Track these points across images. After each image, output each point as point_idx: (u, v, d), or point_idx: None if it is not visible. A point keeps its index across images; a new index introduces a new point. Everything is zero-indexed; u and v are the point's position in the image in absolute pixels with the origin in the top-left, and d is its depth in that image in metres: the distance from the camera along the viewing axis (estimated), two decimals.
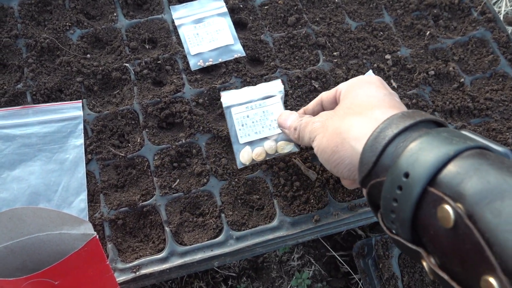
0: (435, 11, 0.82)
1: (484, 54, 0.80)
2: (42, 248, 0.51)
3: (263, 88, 0.69)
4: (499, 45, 0.80)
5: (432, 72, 0.76)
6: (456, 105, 0.73)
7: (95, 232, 0.50)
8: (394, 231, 0.38)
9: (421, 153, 0.35)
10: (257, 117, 0.67)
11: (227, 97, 0.68)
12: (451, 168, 0.33)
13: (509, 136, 0.71)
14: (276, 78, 0.71)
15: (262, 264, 0.69)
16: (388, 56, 0.77)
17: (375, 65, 0.76)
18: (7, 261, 0.51)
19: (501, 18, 0.99)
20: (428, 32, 0.80)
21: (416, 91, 0.75)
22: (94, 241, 0.49)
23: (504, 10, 0.99)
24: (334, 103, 0.56)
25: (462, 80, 0.76)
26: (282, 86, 0.70)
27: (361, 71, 0.75)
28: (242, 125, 0.66)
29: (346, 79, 0.74)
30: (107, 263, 0.51)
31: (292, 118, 0.58)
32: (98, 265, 0.51)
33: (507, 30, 0.80)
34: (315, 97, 0.71)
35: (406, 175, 0.34)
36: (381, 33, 0.80)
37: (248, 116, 0.67)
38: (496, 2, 1.01)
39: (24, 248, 0.51)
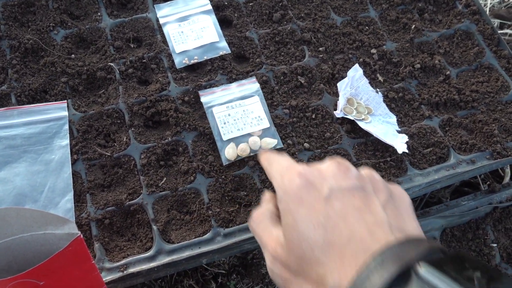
0: (420, 5, 0.83)
1: (469, 46, 0.80)
2: (26, 249, 0.50)
3: (240, 89, 0.69)
4: (484, 37, 0.80)
5: (418, 66, 0.76)
6: (443, 98, 0.74)
7: (79, 232, 0.49)
8: None
9: None
10: (238, 115, 0.67)
11: (207, 98, 0.68)
12: None
13: (495, 128, 0.71)
14: (253, 76, 0.71)
15: (251, 261, 0.69)
16: (374, 50, 0.77)
17: (361, 59, 0.76)
18: None
19: (487, 11, 0.99)
20: (414, 26, 0.80)
21: (402, 84, 0.75)
22: (79, 240, 0.49)
23: (490, 3, 1.00)
24: None
25: (448, 72, 0.76)
26: (258, 85, 0.70)
27: (347, 66, 0.75)
28: (224, 123, 0.66)
29: (332, 74, 0.74)
30: (93, 262, 0.51)
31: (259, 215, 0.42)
32: (83, 265, 0.50)
33: (492, 23, 0.81)
34: (301, 93, 0.72)
35: None
36: (367, 27, 0.80)
37: (229, 115, 0.67)
38: None
39: (9, 249, 0.50)
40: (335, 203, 0.34)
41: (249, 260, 0.70)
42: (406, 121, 0.72)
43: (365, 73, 0.75)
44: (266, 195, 0.43)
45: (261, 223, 0.40)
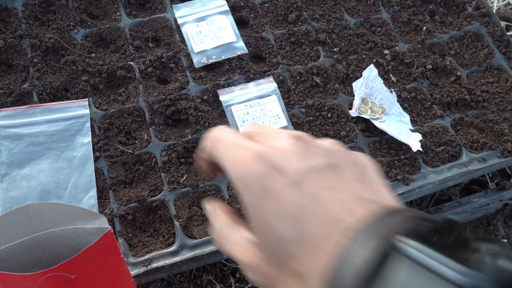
0: (431, 7, 0.84)
1: (479, 48, 0.82)
2: (57, 243, 0.52)
3: (257, 88, 0.70)
4: (494, 39, 0.82)
5: (430, 66, 0.78)
6: (454, 98, 0.75)
7: (110, 226, 0.51)
8: None
9: None
10: (257, 114, 0.68)
11: (225, 96, 0.69)
12: None
13: (505, 127, 0.73)
14: (270, 76, 0.72)
15: None
16: (386, 51, 0.79)
17: (374, 60, 0.78)
18: (22, 256, 0.51)
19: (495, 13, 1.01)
20: (425, 28, 0.82)
21: (414, 84, 0.76)
22: (109, 234, 0.50)
23: (497, 6, 1.02)
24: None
25: (458, 73, 0.78)
26: (275, 85, 0.71)
27: (361, 66, 0.76)
28: (244, 122, 0.68)
29: (347, 74, 0.75)
30: (121, 256, 0.52)
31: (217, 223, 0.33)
32: (112, 258, 0.52)
33: (501, 24, 0.83)
34: (316, 92, 0.73)
35: None
36: (379, 29, 0.81)
37: (248, 113, 0.68)
38: None
39: (39, 243, 0.51)
40: (305, 187, 0.28)
41: None
42: (418, 120, 0.74)
43: (378, 73, 0.76)
44: (208, 208, 0.35)
45: (223, 238, 0.33)
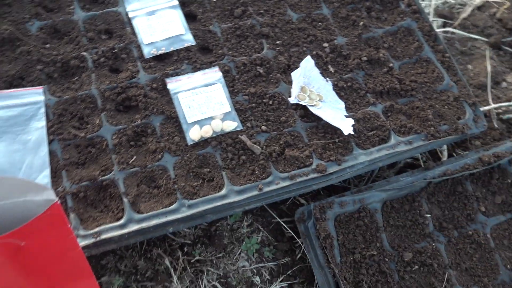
0: (367, 4, 0.92)
1: (410, 41, 0.90)
2: (8, 215, 0.56)
3: (204, 77, 0.76)
4: (423, 34, 0.90)
5: (365, 58, 0.85)
6: (386, 87, 0.83)
7: (57, 198, 0.55)
8: None
9: None
10: (202, 100, 0.74)
11: (173, 84, 0.75)
12: None
13: (429, 113, 0.81)
14: (215, 66, 0.78)
15: (215, 232, 0.76)
16: (325, 44, 0.86)
17: (314, 52, 0.84)
18: None
19: (432, 11, 1.10)
20: (362, 23, 0.89)
21: (351, 75, 0.83)
22: (56, 206, 0.55)
23: (435, 4, 1.10)
24: None
25: (391, 65, 0.85)
26: (221, 74, 0.77)
27: (301, 58, 0.83)
28: (189, 107, 0.73)
29: (288, 65, 0.82)
30: (69, 226, 0.57)
31: None
32: (60, 228, 0.57)
33: (429, 20, 0.91)
34: (259, 82, 0.80)
35: None
36: (320, 23, 0.88)
37: (194, 100, 0.74)
38: None
39: None
40: None
41: (212, 232, 0.77)
42: (353, 108, 0.81)
43: (317, 64, 0.83)
44: None
45: None
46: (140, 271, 0.73)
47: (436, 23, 1.09)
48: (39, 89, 0.72)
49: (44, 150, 0.69)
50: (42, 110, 0.71)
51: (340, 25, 0.89)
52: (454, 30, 1.06)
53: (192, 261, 0.74)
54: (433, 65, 0.87)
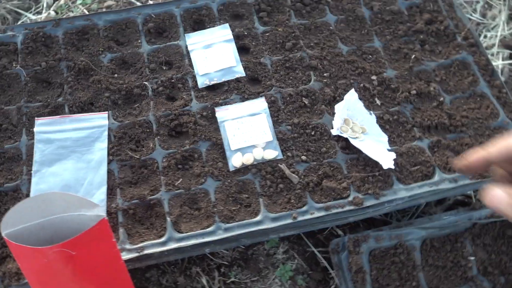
0: (422, 37, 0.91)
1: (465, 75, 0.87)
2: (65, 226, 0.65)
3: (249, 107, 0.81)
4: (479, 68, 0.87)
5: (414, 92, 0.84)
6: (434, 122, 0.81)
7: (105, 214, 0.63)
8: None
9: None
10: (246, 129, 0.79)
11: (221, 113, 0.80)
12: None
13: None
14: (262, 96, 0.82)
15: (251, 256, 0.80)
16: (374, 77, 0.86)
17: (362, 84, 0.85)
18: (39, 234, 0.65)
19: (497, 42, 1.05)
20: (414, 56, 0.89)
21: (398, 108, 0.83)
22: (104, 221, 0.62)
23: (501, 34, 1.05)
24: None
25: (441, 99, 0.84)
26: (266, 104, 0.81)
27: (348, 90, 0.84)
28: (234, 135, 0.78)
29: (334, 97, 0.84)
30: (114, 240, 0.64)
31: (502, 199, 0.42)
32: (106, 241, 0.64)
33: (486, 54, 0.88)
34: (304, 112, 0.83)
35: None
36: (370, 56, 0.89)
37: (239, 128, 0.79)
38: (494, 27, 1.07)
39: (52, 225, 0.65)
40: None
41: (249, 255, 0.80)
42: (398, 141, 0.81)
43: (364, 97, 0.84)
44: (498, 189, 0.42)
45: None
46: (180, 286, 0.78)
47: (501, 54, 1.04)
48: (105, 114, 0.82)
49: (104, 169, 0.77)
50: (106, 133, 0.80)
51: (391, 58, 0.89)
52: None
53: (228, 281, 0.78)
54: (488, 101, 0.84)
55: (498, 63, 1.05)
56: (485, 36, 1.08)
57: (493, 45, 1.03)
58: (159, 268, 0.80)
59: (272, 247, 0.81)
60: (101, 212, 0.64)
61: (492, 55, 1.08)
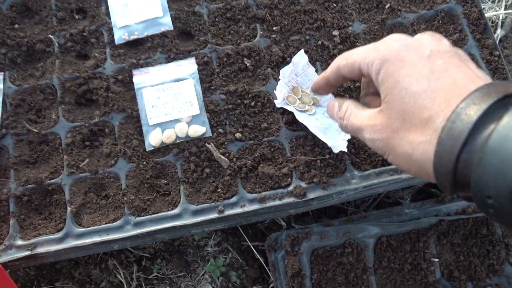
0: None
1: (450, 31, 0.70)
2: None
3: (176, 70, 0.65)
4: (469, 22, 0.69)
5: None
6: None
7: None
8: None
9: (492, 164, 0.31)
10: (168, 99, 0.63)
11: (140, 77, 0.65)
12: None
13: None
14: (193, 57, 0.66)
15: (178, 247, 0.68)
16: (336, 32, 0.69)
17: (320, 42, 0.69)
18: None
19: None
20: (388, 4, 0.71)
21: None
22: None
23: None
24: (357, 76, 0.46)
25: None
26: (196, 67, 0.65)
27: (302, 49, 0.68)
28: (152, 107, 0.63)
29: (283, 58, 0.68)
30: None
31: (335, 110, 0.49)
32: None
33: (480, 4, 0.69)
34: (244, 77, 0.67)
35: (489, 197, 0.31)
36: (334, 5, 0.72)
37: (159, 98, 0.63)
38: None
39: None
40: (436, 61, 0.38)
41: (175, 247, 0.69)
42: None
43: (321, 57, 0.68)
44: (332, 103, 0.50)
45: (351, 114, 0.46)
46: (94, 280, 0.67)
47: (505, 1, 0.85)
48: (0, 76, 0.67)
49: None
50: (0, 99, 0.66)
51: (360, 7, 0.72)
52: None
53: (150, 277, 0.67)
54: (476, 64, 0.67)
55: (500, 12, 0.86)
56: None
57: None
58: (71, 259, 0.69)
59: (202, 238, 0.69)
60: None
61: (494, 1, 0.89)
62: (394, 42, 0.41)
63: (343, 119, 0.47)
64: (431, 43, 0.40)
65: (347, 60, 0.45)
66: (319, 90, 0.53)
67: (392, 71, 0.39)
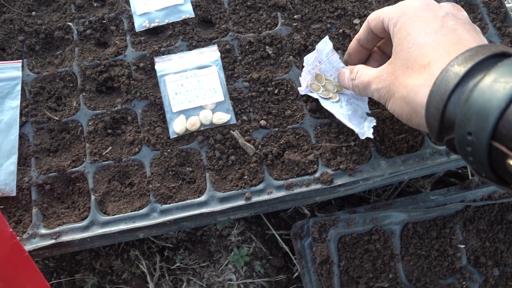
0: None
1: (471, 20, 0.70)
2: None
3: (198, 57, 0.64)
4: (489, 10, 0.70)
5: None
6: None
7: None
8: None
9: (477, 104, 0.35)
10: (192, 86, 0.63)
11: (162, 65, 0.64)
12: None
13: None
14: (215, 44, 0.66)
15: (201, 237, 0.67)
16: (356, 21, 0.69)
17: (341, 30, 0.69)
18: None
19: None
20: None
21: None
22: None
23: None
24: (381, 31, 0.52)
25: None
26: (219, 54, 0.65)
27: (323, 37, 0.67)
28: (176, 94, 0.62)
29: (305, 46, 0.67)
30: (10, 230, 0.51)
31: (346, 75, 0.57)
32: (2, 233, 0.51)
33: None
34: (266, 65, 0.66)
35: (470, 133, 0.35)
36: None
37: (182, 85, 0.63)
38: None
39: None
40: (448, 21, 0.44)
41: (198, 237, 0.68)
42: (381, 103, 0.65)
43: (343, 46, 0.68)
44: (343, 70, 0.57)
45: (362, 73, 0.52)
46: (116, 272, 0.66)
47: None
48: (18, 63, 0.66)
49: (15, 133, 0.62)
50: (19, 87, 0.64)
51: None
52: None
53: (172, 267, 0.66)
54: None
55: None
56: None
57: None
58: (92, 250, 0.67)
59: (225, 228, 0.68)
60: None
61: None
62: (416, 1, 0.47)
63: (355, 79, 0.53)
64: (450, 8, 0.46)
65: (376, 14, 0.51)
66: (351, 54, 0.58)
67: (407, 24, 0.45)
